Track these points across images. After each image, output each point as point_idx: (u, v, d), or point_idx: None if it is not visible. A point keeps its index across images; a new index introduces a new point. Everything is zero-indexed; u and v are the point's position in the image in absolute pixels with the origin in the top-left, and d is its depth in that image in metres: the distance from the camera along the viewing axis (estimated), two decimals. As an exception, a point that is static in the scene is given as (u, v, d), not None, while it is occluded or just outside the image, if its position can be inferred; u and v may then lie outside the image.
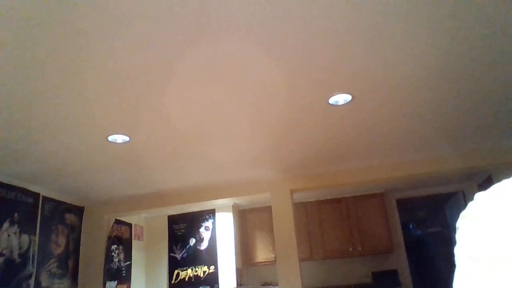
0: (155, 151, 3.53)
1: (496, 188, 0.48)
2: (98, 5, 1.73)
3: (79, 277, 4.77)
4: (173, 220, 6.03)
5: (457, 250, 0.50)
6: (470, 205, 0.50)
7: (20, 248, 3.88)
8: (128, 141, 3.24)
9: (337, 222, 5.86)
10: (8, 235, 3.75)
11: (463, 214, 0.51)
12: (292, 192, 4.78)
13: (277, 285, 4.60)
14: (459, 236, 0.51)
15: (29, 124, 2.80)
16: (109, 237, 5.09)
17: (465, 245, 0.48)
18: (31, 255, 4.01)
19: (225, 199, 5.05)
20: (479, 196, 0.49)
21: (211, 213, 5.85)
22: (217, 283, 5.53)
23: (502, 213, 0.44)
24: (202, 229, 5.85)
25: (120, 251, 5.34)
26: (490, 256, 0.42)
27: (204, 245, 5.77)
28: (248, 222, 6.06)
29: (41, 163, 3.58)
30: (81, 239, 4.92)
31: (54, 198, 4.49)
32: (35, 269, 4.05)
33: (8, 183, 3.83)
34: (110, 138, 3.15)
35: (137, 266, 5.75)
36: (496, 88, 2.86)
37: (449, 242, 6.62)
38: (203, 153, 3.72)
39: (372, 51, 2.25)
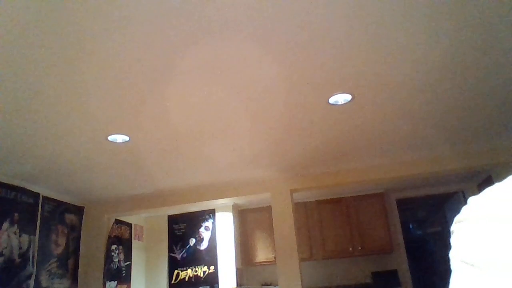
0: (155, 150, 3.53)
1: (489, 192, 0.48)
2: (98, 6, 1.73)
3: (79, 277, 4.77)
4: (173, 220, 6.03)
5: (452, 254, 0.50)
6: (464, 209, 0.50)
7: (20, 248, 3.88)
8: (128, 140, 3.24)
9: (337, 222, 5.86)
10: (8, 235, 3.75)
11: (457, 219, 0.51)
12: (292, 192, 4.78)
13: (277, 285, 4.60)
14: (453, 240, 0.51)
15: (29, 124, 2.80)
16: (109, 237, 5.09)
17: (459, 249, 0.48)
18: (31, 255, 4.01)
19: (225, 199, 5.04)
20: (472, 200, 0.49)
21: (211, 213, 5.85)
22: (217, 283, 5.53)
23: (495, 216, 0.44)
24: (202, 229, 5.85)
25: (120, 251, 5.34)
26: (484, 260, 0.42)
27: (204, 245, 5.77)
28: (248, 222, 6.06)
29: (41, 163, 3.58)
30: (81, 239, 4.92)
31: (54, 198, 4.49)
32: (35, 269, 4.05)
33: (8, 183, 3.83)
34: (110, 137, 3.15)
35: (137, 266, 5.75)
36: (496, 88, 2.86)
37: (449, 242, 6.62)
38: (203, 153, 3.72)
39: (372, 51, 2.25)
